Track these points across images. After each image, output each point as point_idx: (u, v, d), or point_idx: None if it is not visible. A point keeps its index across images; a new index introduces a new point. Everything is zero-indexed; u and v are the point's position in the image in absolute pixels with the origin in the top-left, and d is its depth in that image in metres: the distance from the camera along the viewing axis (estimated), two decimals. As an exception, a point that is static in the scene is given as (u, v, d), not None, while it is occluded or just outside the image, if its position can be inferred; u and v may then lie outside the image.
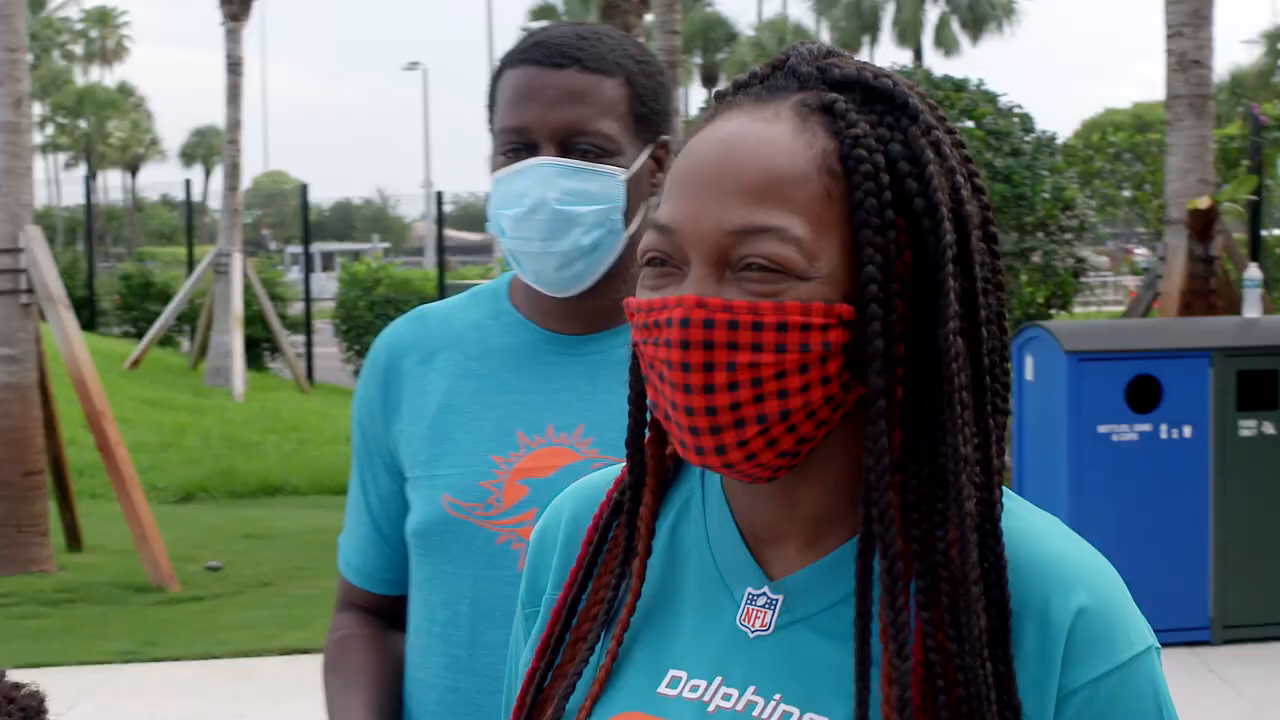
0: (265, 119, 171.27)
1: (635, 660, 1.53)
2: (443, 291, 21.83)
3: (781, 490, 1.47)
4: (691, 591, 1.53)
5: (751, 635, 1.48)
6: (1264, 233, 15.05)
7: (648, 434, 1.57)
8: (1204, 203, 10.86)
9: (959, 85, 13.10)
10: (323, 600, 10.34)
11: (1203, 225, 10.82)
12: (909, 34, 58.86)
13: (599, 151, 2.30)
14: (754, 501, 1.51)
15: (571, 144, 2.30)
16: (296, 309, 27.67)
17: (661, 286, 1.43)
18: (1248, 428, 8.78)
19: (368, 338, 23.63)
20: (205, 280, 23.15)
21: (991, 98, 13.13)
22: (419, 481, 2.40)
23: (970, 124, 12.79)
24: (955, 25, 59.43)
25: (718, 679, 1.47)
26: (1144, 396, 8.68)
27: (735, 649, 1.48)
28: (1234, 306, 9.42)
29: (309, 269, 25.33)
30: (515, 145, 2.31)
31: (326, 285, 41.88)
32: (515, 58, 2.34)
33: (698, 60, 71.08)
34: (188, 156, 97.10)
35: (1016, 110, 13.16)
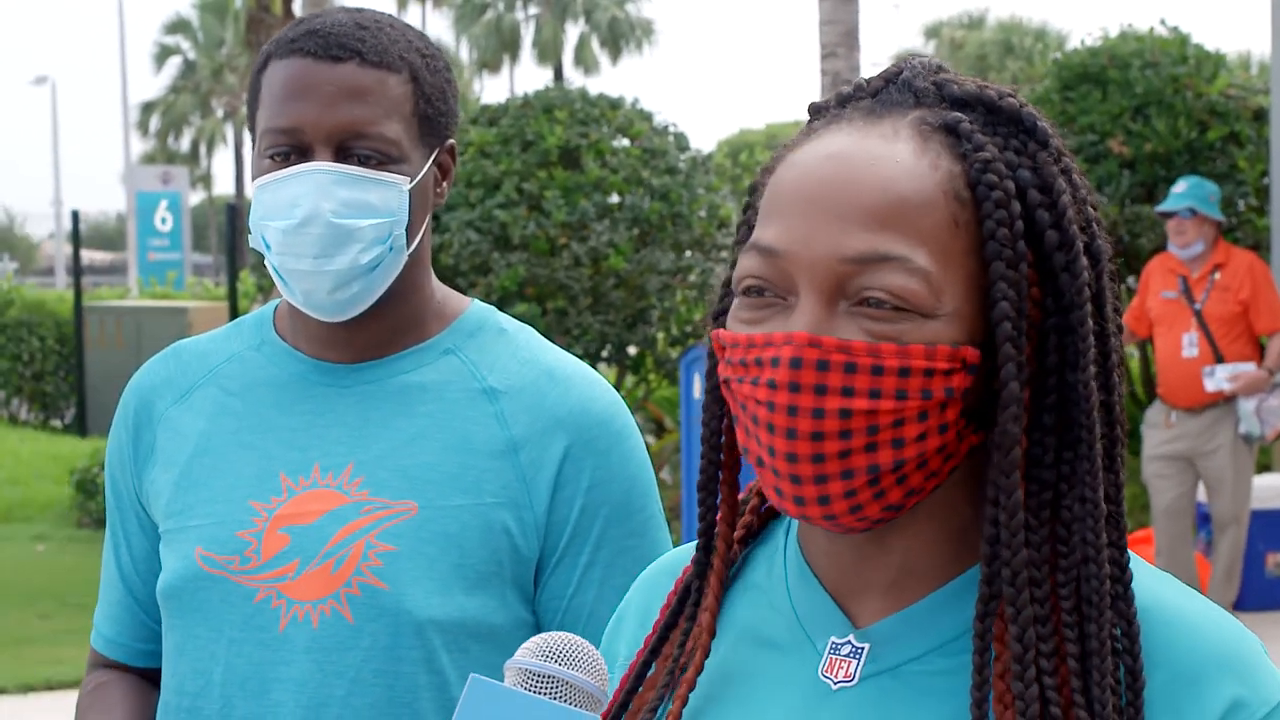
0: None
1: None
2: (79, 313, 21.02)
3: (871, 538, 1.34)
4: (773, 648, 1.39)
5: (835, 687, 1.34)
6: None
7: (721, 480, 1.43)
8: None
9: (614, 103, 13.18)
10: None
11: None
12: (549, 53, 59.12)
13: (381, 158, 2.05)
14: (837, 548, 1.37)
15: (350, 148, 2.05)
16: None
17: (762, 320, 1.28)
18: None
19: (0, 362, 22.67)
20: None
21: (646, 116, 13.25)
22: (170, 535, 2.14)
23: (627, 142, 12.89)
24: (595, 44, 60.03)
25: None
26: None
27: (817, 702, 1.34)
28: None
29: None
30: (284, 148, 2.05)
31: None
32: (284, 48, 2.08)
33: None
34: None
35: (671, 129, 13.31)
